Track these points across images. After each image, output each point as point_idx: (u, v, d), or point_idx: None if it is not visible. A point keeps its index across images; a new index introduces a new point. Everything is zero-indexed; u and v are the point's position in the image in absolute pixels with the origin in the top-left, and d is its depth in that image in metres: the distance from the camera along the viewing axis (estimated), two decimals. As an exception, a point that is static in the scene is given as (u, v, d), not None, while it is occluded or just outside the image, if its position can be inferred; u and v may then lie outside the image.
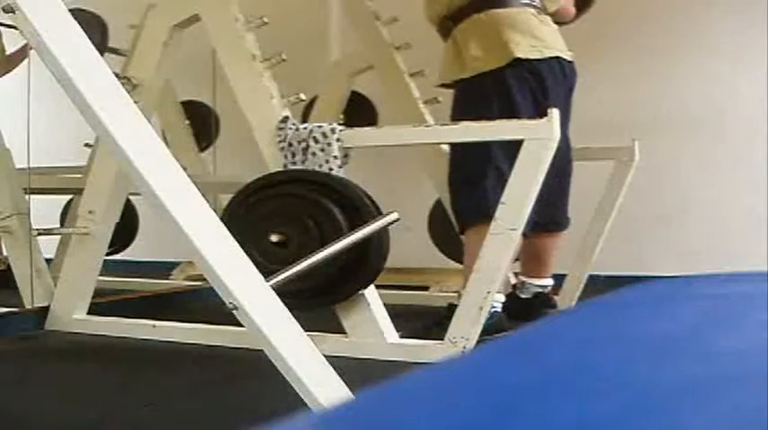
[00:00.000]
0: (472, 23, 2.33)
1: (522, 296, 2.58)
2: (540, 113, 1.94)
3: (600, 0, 2.74)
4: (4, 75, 3.30)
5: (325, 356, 1.40)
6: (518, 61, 2.25)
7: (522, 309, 2.52)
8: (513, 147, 1.94)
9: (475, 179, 2.26)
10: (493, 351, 0.32)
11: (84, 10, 3.03)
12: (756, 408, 0.22)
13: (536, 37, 2.30)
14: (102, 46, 3.05)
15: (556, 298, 2.72)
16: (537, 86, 2.27)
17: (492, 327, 2.10)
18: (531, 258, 2.54)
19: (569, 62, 2.37)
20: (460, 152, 2.33)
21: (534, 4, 2.38)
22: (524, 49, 2.26)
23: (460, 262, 2.56)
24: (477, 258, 1.96)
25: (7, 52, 3.35)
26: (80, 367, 2.00)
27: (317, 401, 1.31)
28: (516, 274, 2.67)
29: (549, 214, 2.37)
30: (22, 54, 3.19)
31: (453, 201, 2.44)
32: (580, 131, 2.52)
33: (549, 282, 2.60)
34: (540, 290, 2.59)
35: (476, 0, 2.32)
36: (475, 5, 2.32)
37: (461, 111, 2.30)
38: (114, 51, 3.21)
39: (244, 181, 2.10)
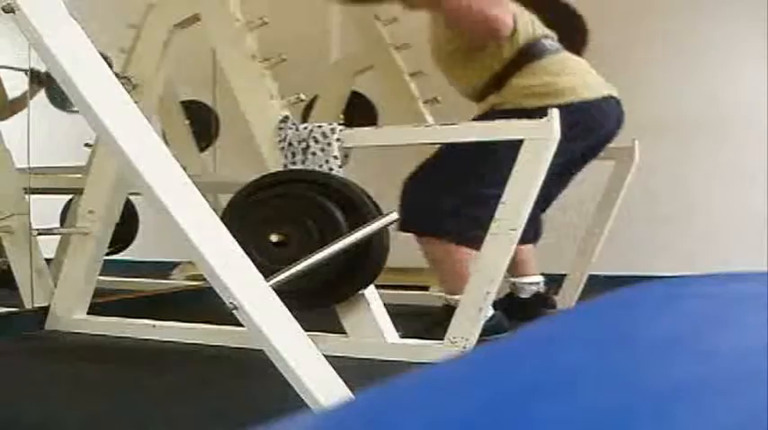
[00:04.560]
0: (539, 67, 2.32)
1: (522, 296, 2.61)
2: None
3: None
4: (5, 119, 3.28)
5: (326, 356, 1.40)
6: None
7: (521, 309, 2.54)
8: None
9: (449, 191, 2.25)
10: (493, 351, 0.32)
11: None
12: (756, 409, 0.22)
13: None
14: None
15: (555, 298, 2.73)
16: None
17: (492, 328, 2.10)
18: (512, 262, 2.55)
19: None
20: (448, 160, 2.30)
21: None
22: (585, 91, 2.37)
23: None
24: (477, 259, 1.96)
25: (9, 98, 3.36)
26: (80, 367, 2.00)
27: (317, 401, 1.31)
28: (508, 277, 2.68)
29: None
30: (23, 102, 3.21)
31: (405, 196, 2.39)
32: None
33: (539, 278, 2.64)
34: (537, 289, 2.61)
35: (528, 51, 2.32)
36: (529, 55, 2.32)
37: None
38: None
39: (244, 181, 2.10)
